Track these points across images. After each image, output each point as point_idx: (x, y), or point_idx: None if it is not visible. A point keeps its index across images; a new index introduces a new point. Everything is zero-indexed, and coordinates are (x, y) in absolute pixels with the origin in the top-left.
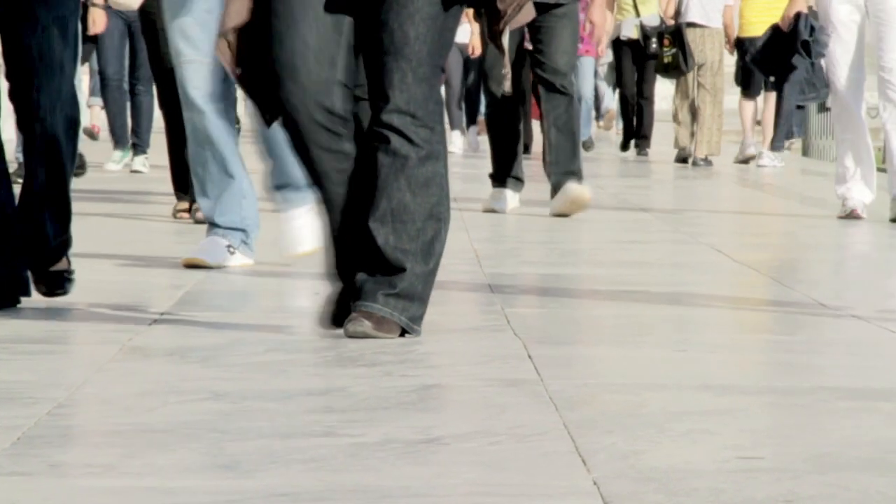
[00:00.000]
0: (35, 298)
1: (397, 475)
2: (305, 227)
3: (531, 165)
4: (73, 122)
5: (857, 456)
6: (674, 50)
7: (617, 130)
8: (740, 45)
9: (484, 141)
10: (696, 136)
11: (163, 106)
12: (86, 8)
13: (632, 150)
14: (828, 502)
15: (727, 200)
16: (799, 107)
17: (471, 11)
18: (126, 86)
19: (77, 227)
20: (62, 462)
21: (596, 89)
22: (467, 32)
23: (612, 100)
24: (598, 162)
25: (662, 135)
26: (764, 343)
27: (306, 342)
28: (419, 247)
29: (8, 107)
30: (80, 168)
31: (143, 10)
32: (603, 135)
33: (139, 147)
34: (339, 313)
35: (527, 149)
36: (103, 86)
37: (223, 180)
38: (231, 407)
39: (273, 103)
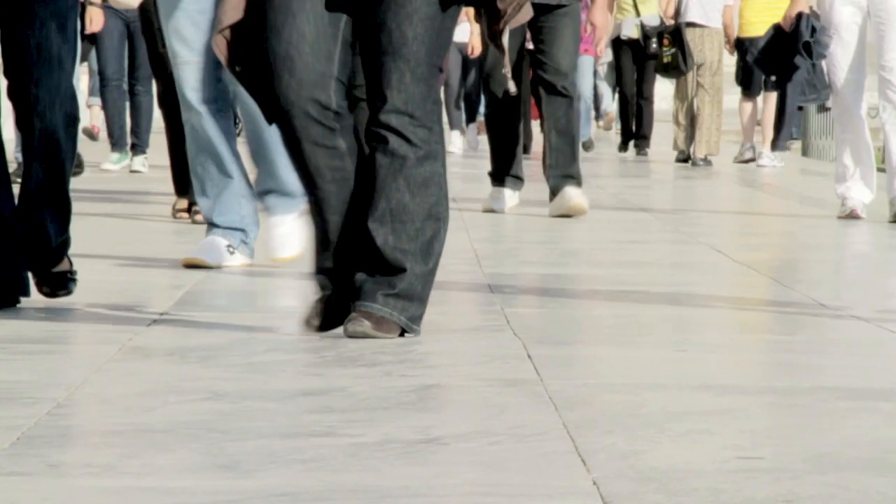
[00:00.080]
0: (35, 298)
1: (397, 475)
2: (290, 233)
3: (531, 165)
4: (72, 119)
5: (857, 456)
6: (673, 50)
7: (616, 131)
8: (740, 45)
9: (483, 140)
10: (696, 136)
11: (162, 105)
12: (83, 7)
13: (631, 150)
14: (828, 502)
15: (727, 200)
16: (798, 107)
17: (471, 11)
18: (125, 86)
19: (77, 227)
20: (62, 462)
21: (595, 89)
22: (466, 32)
23: (611, 101)
24: (598, 162)
25: (662, 135)
26: (764, 343)
27: (306, 342)
28: (418, 247)
29: (7, 106)
30: (78, 167)
31: (143, 9)
32: (603, 135)
33: (138, 147)
34: (326, 317)
35: (526, 149)
36: (102, 86)
37: (222, 180)
38: (231, 407)
39: (267, 97)
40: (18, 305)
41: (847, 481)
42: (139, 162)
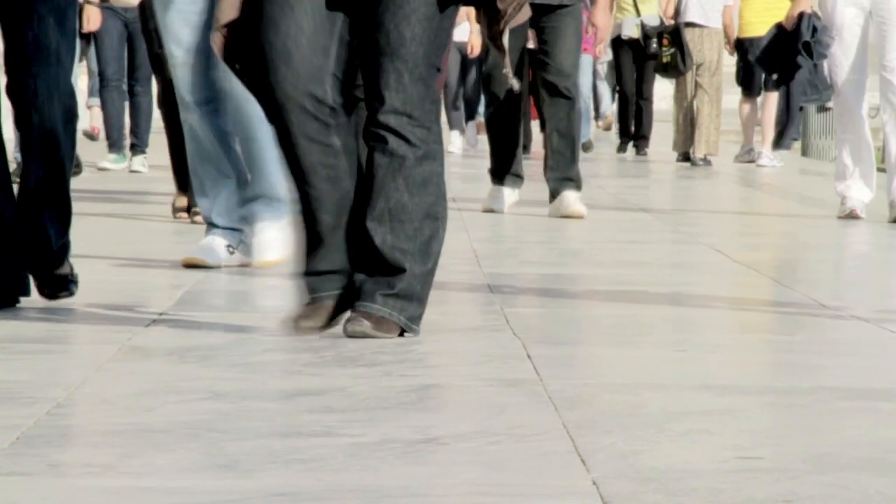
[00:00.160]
0: (34, 298)
1: (396, 475)
2: (277, 237)
3: (530, 165)
4: (71, 115)
5: (857, 456)
6: (672, 49)
7: (616, 131)
8: (740, 45)
9: (483, 139)
10: (695, 136)
11: (162, 105)
12: (81, 6)
13: (630, 151)
14: (828, 502)
15: (727, 200)
16: (799, 107)
17: (471, 11)
18: (125, 86)
19: (76, 227)
20: (61, 462)
21: (595, 90)
22: (465, 31)
23: (611, 103)
24: (598, 162)
25: (662, 135)
26: (764, 343)
27: (305, 342)
28: (417, 247)
29: (7, 106)
30: (77, 167)
31: (143, 9)
32: (603, 135)
33: (138, 147)
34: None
35: (526, 149)
36: (102, 87)
37: (221, 180)
38: (230, 407)
39: (264, 92)
40: (18, 305)
41: (847, 481)
42: (139, 162)
